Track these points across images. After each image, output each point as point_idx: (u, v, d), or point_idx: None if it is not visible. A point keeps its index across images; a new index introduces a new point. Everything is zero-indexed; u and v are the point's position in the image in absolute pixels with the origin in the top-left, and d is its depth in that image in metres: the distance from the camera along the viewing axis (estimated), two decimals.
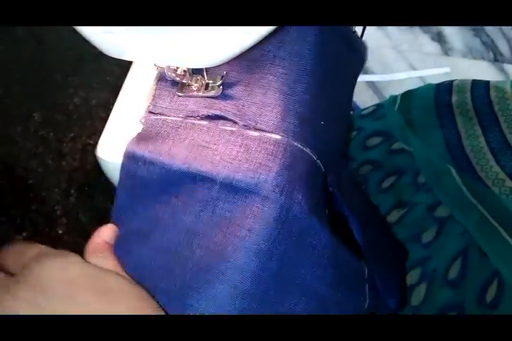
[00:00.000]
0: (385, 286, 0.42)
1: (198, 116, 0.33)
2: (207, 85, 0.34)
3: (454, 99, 0.59)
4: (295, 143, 0.33)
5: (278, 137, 0.32)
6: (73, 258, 0.29)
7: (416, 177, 0.57)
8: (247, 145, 0.31)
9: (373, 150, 0.62)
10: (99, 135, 0.37)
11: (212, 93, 0.34)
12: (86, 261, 0.29)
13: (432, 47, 1.32)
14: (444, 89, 0.61)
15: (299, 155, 0.33)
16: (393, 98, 0.65)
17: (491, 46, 1.37)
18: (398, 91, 0.68)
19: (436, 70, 1.31)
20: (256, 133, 0.32)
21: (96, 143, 0.37)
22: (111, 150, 0.33)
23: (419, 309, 0.50)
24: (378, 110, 0.66)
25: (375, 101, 1.24)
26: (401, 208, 0.57)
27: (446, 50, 1.37)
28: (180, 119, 0.33)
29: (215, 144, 0.31)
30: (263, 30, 0.26)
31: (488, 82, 0.59)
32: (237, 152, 0.31)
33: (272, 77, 0.35)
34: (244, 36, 0.26)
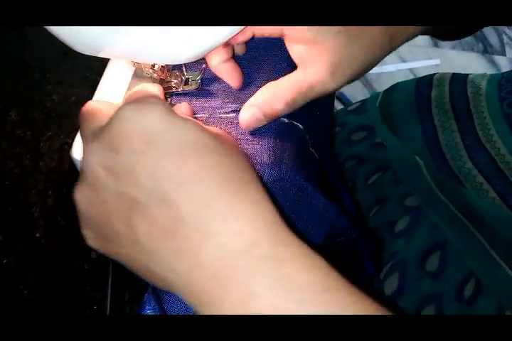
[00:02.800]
0: (366, 251, 0.42)
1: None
2: (187, 80, 0.33)
3: (434, 93, 0.59)
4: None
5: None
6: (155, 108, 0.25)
7: (396, 173, 0.57)
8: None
9: (358, 145, 0.62)
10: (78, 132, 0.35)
11: (192, 88, 0.33)
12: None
13: (421, 39, 1.32)
14: (425, 83, 0.61)
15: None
16: (377, 93, 0.65)
17: (480, 38, 1.36)
18: (388, 83, 0.68)
19: (426, 62, 1.30)
20: (286, 120, 0.33)
21: (73, 140, 0.35)
22: None
23: (398, 298, 0.50)
24: (362, 105, 0.66)
25: (365, 93, 1.23)
26: (380, 204, 0.57)
27: (436, 41, 1.36)
28: None
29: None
30: (233, 30, 0.25)
31: (467, 76, 0.58)
32: None
33: (249, 62, 0.34)
34: (221, 31, 0.25)
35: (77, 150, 0.32)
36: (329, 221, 0.35)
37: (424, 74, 0.65)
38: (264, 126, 0.32)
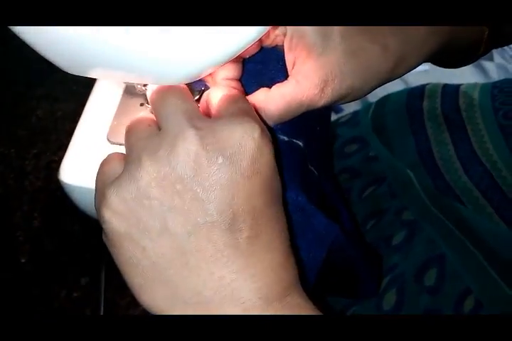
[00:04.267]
0: (365, 269, 0.41)
1: None
2: None
3: (425, 104, 0.58)
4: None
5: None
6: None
7: (391, 186, 0.57)
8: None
9: (351, 158, 0.61)
10: (65, 150, 0.34)
11: None
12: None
13: None
14: (416, 93, 0.60)
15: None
16: (369, 105, 0.64)
17: None
18: (378, 90, 0.67)
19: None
20: (285, 138, 0.32)
21: (60, 158, 0.34)
22: (76, 172, 0.30)
23: (397, 314, 0.49)
24: (354, 117, 0.65)
25: (356, 101, 1.23)
26: (376, 217, 0.56)
27: None
28: None
29: None
30: (240, 45, 0.23)
31: (459, 86, 0.58)
32: None
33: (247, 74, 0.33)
34: (220, 52, 0.23)
35: (65, 172, 0.30)
36: (329, 241, 0.34)
37: (414, 80, 0.64)
38: None
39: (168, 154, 0.24)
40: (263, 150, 0.26)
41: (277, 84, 0.31)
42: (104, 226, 0.25)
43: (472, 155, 0.52)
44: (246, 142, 0.25)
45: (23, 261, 0.33)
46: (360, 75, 0.31)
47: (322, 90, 0.30)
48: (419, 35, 0.32)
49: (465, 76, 1.25)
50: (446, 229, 0.50)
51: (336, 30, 0.30)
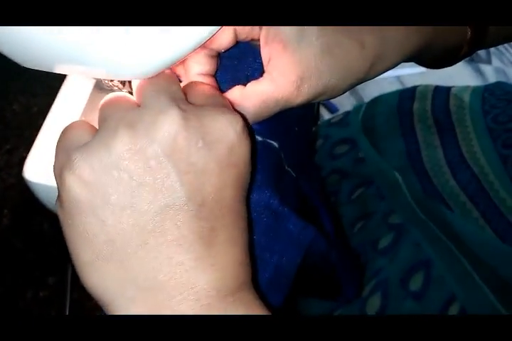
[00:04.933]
0: (344, 273, 0.41)
1: None
2: None
3: (416, 106, 0.57)
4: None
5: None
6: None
7: (379, 188, 0.56)
8: None
9: (341, 159, 0.60)
10: None
11: None
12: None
13: None
14: (407, 95, 0.59)
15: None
16: (360, 105, 0.63)
17: None
18: (374, 91, 0.66)
19: (411, 70, 1.29)
20: (259, 138, 0.32)
21: None
22: (41, 170, 0.29)
23: None
24: (345, 118, 0.64)
25: (352, 101, 1.22)
26: (364, 219, 0.56)
27: None
28: None
29: None
30: (202, 35, 0.22)
31: (450, 89, 0.57)
32: None
33: (221, 71, 0.32)
34: (182, 43, 0.22)
35: (29, 170, 0.29)
36: (305, 245, 0.33)
37: (410, 82, 0.63)
38: None
39: (147, 128, 0.23)
40: (242, 143, 0.25)
41: (252, 82, 0.30)
42: (62, 192, 0.24)
43: (460, 159, 0.51)
44: (228, 132, 0.25)
45: None
46: (337, 72, 0.30)
47: (298, 88, 0.29)
48: (398, 34, 0.31)
49: (462, 79, 1.24)
50: (432, 233, 0.49)
51: (312, 26, 0.29)
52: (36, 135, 0.40)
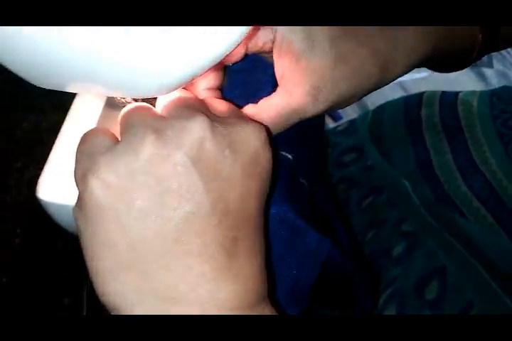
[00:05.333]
0: (361, 285, 0.40)
1: None
2: None
3: (423, 112, 0.57)
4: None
5: None
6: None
7: (389, 196, 0.56)
8: None
9: (349, 167, 0.60)
10: None
11: None
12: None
13: None
14: (414, 101, 0.59)
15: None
16: (366, 113, 0.63)
17: None
18: (377, 97, 0.66)
19: (413, 75, 1.29)
20: None
21: None
22: (54, 189, 0.29)
23: None
24: (351, 126, 0.64)
25: (355, 108, 1.22)
26: (376, 228, 0.55)
27: None
28: None
29: None
30: (216, 54, 0.22)
31: (458, 94, 0.57)
32: None
33: (231, 86, 0.32)
34: (197, 62, 0.22)
35: (43, 189, 0.29)
36: (322, 258, 0.33)
37: (413, 87, 0.63)
38: None
39: (176, 134, 0.23)
40: (266, 154, 0.25)
41: (265, 98, 0.29)
42: (84, 195, 0.23)
43: (471, 164, 0.51)
44: (254, 141, 0.24)
45: (4, 280, 0.32)
46: (352, 80, 0.30)
47: (315, 97, 0.29)
48: (409, 40, 0.31)
49: (464, 83, 1.24)
50: (445, 240, 0.49)
51: (324, 35, 0.29)
52: (47, 152, 0.39)
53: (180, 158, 0.22)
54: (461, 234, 0.48)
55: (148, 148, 0.22)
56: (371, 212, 0.57)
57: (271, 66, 0.32)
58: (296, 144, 0.34)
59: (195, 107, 0.25)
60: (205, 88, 0.30)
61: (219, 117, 0.25)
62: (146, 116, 0.25)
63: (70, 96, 0.42)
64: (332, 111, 0.32)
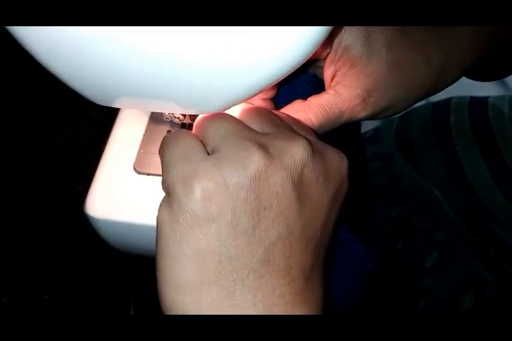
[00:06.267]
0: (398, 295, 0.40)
1: None
2: None
3: (452, 118, 0.56)
4: None
5: None
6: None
7: (419, 205, 0.55)
8: None
9: (375, 176, 0.59)
10: (88, 179, 0.32)
11: None
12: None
13: None
14: (442, 107, 0.58)
15: None
16: (391, 120, 0.62)
17: None
18: None
19: None
20: None
21: (84, 188, 0.32)
22: (103, 206, 0.28)
23: None
24: (376, 133, 0.63)
25: None
26: (406, 237, 0.54)
27: None
28: None
29: None
30: (302, 57, 0.21)
31: (487, 99, 0.56)
32: None
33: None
34: (281, 68, 0.21)
35: (91, 206, 0.28)
36: (367, 270, 0.32)
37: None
38: None
39: (280, 154, 0.22)
40: (347, 184, 0.26)
41: (314, 96, 0.29)
42: (184, 200, 0.22)
43: (506, 171, 0.50)
44: (342, 171, 0.25)
45: (46, 297, 0.32)
46: (404, 86, 0.29)
47: (364, 100, 0.29)
48: (460, 49, 0.30)
49: (483, 87, 1.23)
50: (481, 250, 0.48)
51: (382, 41, 0.29)
52: (83, 167, 0.39)
53: (282, 179, 0.22)
54: (496, 244, 0.47)
55: (256, 163, 0.22)
56: (401, 221, 0.56)
57: (312, 79, 0.32)
58: (339, 151, 0.34)
59: (284, 125, 0.25)
60: (263, 98, 0.30)
61: (313, 138, 0.25)
62: (242, 130, 0.24)
63: (104, 111, 0.43)
64: (377, 118, 0.31)
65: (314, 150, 0.23)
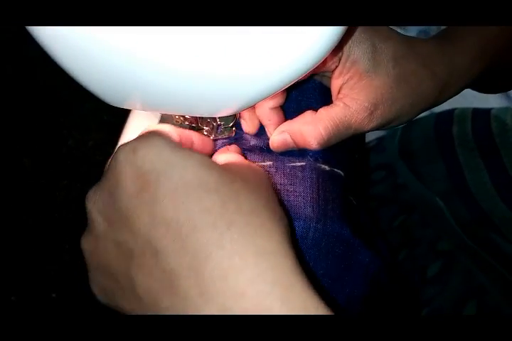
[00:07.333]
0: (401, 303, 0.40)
1: None
2: (218, 127, 0.31)
3: (455, 129, 0.57)
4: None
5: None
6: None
7: (422, 215, 0.55)
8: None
9: (378, 185, 0.60)
10: (97, 181, 0.33)
11: (224, 136, 0.31)
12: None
13: None
14: (445, 118, 0.59)
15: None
16: (395, 130, 0.63)
17: None
18: None
19: None
20: (327, 168, 0.31)
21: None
22: None
23: None
24: (380, 143, 0.64)
25: None
26: (409, 247, 0.55)
27: None
28: None
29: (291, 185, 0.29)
30: (289, 78, 0.22)
31: (489, 111, 0.57)
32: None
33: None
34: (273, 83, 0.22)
35: None
36: (372, 276, 0.33)
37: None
38: (304, 175, 0.30)
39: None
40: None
41: (324, 107, 0.30)
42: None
43: (508, 182, 0.50)
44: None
45: (53, 295, 0.32)
46: (410, 99, 0.30)
47: (372, 113, 0.30)
48: (465, 62, 0.31)
49: (486, 98, 1.23)
50: (483, 260, 0.48)
51: (388, 55, 0.30)
52: (93, 170, 0.40)
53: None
54: (499, 254, 0.47)
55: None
56: (404, 231, 0.57)
57: (319, 85, 0.33)
58: (346, 161, 0.34)
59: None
60: (272, 107, 0.30)
61: None
62: None
63: (115, 116, 0.43)
64: (383, 129, 0.32)
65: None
